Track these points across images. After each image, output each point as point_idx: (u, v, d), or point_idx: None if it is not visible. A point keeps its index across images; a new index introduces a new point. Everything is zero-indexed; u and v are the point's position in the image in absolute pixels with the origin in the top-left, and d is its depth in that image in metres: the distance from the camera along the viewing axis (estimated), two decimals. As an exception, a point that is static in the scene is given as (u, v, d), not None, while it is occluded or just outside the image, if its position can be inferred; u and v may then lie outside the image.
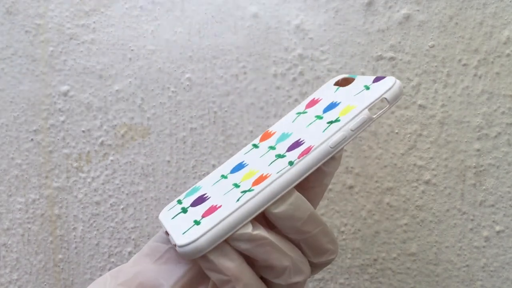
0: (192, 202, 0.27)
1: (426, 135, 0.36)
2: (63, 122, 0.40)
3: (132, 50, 0.39)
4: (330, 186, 0.37)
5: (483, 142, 0.36)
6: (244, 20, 0.37)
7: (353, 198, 0.37)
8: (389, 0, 0.35)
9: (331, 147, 0.25)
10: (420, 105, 0.36)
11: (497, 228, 0.36)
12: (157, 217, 0.40)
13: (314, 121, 0.27)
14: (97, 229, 0.41)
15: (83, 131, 0.40)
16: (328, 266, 0.38)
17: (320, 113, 0.28)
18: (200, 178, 0.39)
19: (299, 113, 0.30)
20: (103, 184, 0.40)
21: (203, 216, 0.25)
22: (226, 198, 0.25)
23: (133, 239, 0.41)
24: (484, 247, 0.37)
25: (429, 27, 0.35)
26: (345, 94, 0.28)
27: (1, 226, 0.42)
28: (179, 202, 0.28)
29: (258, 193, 0.24)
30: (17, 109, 0.40)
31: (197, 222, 0.24)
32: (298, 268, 0.26)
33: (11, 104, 0.41)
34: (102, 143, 0.40)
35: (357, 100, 0.27)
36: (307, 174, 0.25)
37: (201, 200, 0.27)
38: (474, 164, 0.36)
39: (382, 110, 0.26)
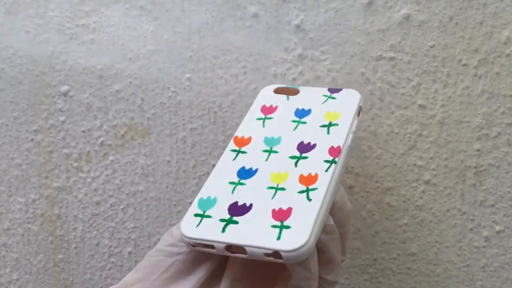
0: (230, 212, 0.27)
1: (426, 135, 0.36)
2: (63, 122, 0.40)
3: (132, 50, 0.39)
4: (330, 186, 0.38)
5: (483, 142, 0.36)
6: (244, 20, 0.37)
7: (353, 198, 0.37)
8: (389, 0, 0.35)
9: (350, 146, 0.29)
10: (420, 105, 0.36)
11: (497, 228, 0.36)
12: (159, 218, 0.40)
13: (297, 125, 0.31)
14: (97, 229, 0.41)
15: (83, 131, 0.40)
16: (328, 266, 0.38)
17: (294, 117, 0.32)
18: (200, 178, 0.39)
19: (262, 119, 0.32)
20: (103, 184, 0.40)
21: (280, 220, 0.25)
22: (286, 200, 0.26)
23: (133, 239, 0.41)
24: (484, 247, 0.37)
25: (429, 27, 0.35)
26: (307, 102, 0.32)
27: (1, 226, 0.42)
28: (202, 215, 0.27)
29: (327, 189, 0.26)
30: (17, 109, 0.41)
31: (283, 227, 0.25)
32: (340, 267, 0.28)
33: (11, 104, 0.41)
34: (102, 143, 0.40)
35: (333, 107, 0.31)
36: (344, 170, 0.29)
37: (243, 208, 0.27)
38: (474, 164, 0.36)
39: (360, 115, 0.31)
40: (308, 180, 0.27)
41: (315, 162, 0.28)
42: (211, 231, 0.26)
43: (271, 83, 0.38)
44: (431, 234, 0.37)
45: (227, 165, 0.30)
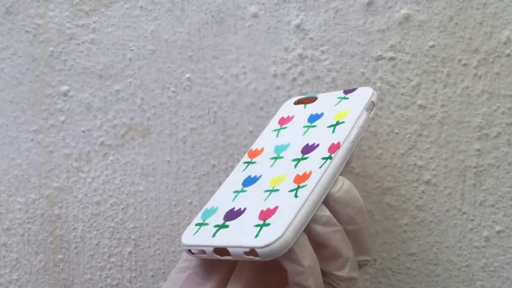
0: (225, 218, 0.27)
1: (426, 135, 0.36)
2: (63, 122, 0.40)
3: (132, 50, 0.39)
4: (330, 186, 0.38)
5: (483, 142, 0.36)
6: (244, 20, 0.37)
7: (353, 198, 0.37)
8: (389, 0, 0.35)
9: (353, 142, 0.29)
10: (420, 105, 0.36)
11: (497, 228, 0.36)
12: (159, 218, 0.40)
13: (307, 129, 0.31)
14: (97, 229, 0.41)
15: (83, 131, 0.40)
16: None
17: (306, 123, 0.32)
18: (200, 178, 0.39)
19: (277, 130, 0.33)
20: (103, 184, 0.40)
21: (263, 219, 0.25)
22: (274, 200, 0.26)
23: (133, 239, 0.41)
24: (484, 247, 0.37)
25: (429, 27, 0.35)
26: (321, 107, 0.32)
27: (1, 226, 0.42)
28: (202, 224, 0.28)
29: (316, 185, 0.26)
30: (17, 109, 0.41)
31: (263, 225, 0.25)
32: (355, 263, 0.27)
33: (11, 104, 0.41)
34: (102, 143, 0.40)
35: (345, 107, 0.31)
36: (344, 165, 0.28)
37: (235, 213, 0.27)
38: (474, 164, 0.36)
39: (372, 111, 0.31)
40: (301, 179, 0.27)
41: (313, 161, 0.28)
42: (204, 237, 0.27)
43: (271, 83, 0.38)
44: (431, 234, 0.37)
45: (236, 176, 0.31)
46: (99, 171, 0.40)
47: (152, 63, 0.39)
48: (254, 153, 0.32)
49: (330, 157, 0.28)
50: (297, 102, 0.35)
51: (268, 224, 0.25)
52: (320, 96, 0.34)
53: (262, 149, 0.32)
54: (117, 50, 0.39)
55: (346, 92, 0.32)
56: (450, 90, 0.36)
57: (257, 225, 0.25)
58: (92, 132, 0.40)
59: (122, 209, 0.40)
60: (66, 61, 0.40)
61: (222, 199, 0.29)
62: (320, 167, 0.27)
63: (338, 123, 0.30)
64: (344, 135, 0.29)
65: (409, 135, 0.36)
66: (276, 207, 0.26)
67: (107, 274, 0.41)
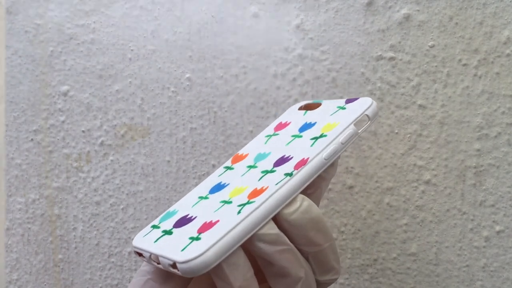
0: (175, 224, 0.26)
1: (426, 135, 0.36)
2: (63, 122, 0.40)
3: (132, 50, 0.39)
4: (330, 186, 0.38)
5: (483, 142, 0.36)
6: (244, 20, 0.37)
7: (353, 198, 0.37)
8: (389, 0, 0.35)
9: (325, 159, 0.26)
10: (420, 105, 0.36)
11: (497, 228, 0.36)
12: (157, 216, 0.40)
13: (293, 139, 0.29)
14: (97, 229, 0.41)
15: (83, 131, 0.40)
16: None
17: (296, 132, 0.30)
18: (200, 178, 0.39)
19: (269, 136, 0.32)
20: (103, 184, 0.40)
21: (199, 232, 0.24)
22: (221, 213, 0.25)
23: (133, 239, 0.41)
24: (484, 247, 0.37)
25: (429, 27, 0.35)
26: (318, 115, 0.31)
27: (1, 226, 0.42)
28: (155, 227, 0.27)
29: (262, 203, 0.24)
30: (17, 109, 0.41)
31: (195, 238, 0.24)
32: (308, 283, 0.25)
33: (11, 104, 0.41)
34: (102, 143, 0.40)
35: (336, 118, 0.29)
36: (306, 184, 0.26)
37: (185, 220, 0.26)
38: (474, 164, 0.36)
39: (365, 126, 0.28)
40: (255, 194, 0.26)
41: (276, 176, 0.26)
42: (148, 241, 0.26)
43: (271, 83, 0.38)
44: (431, 234, 0.37)
45: (209, 181, 0.30)
46: (99, 171, 0.40)
47: (152, 63, 0.39)
48: (238, 159, 0.31)
49: (291, 174, 0.26)
50: (303, 107, 0.33)
51: (199, 239, 0.24)
52: (324, 103, 0.32)
53: (246, 155, 0.31)
54: (117, 50, 0.39)
55: (348, 101, 0.30)
56: (450, 90, 0.36)
57: (190, 238, 0.24)
58: (92, 132, 0.40)
59: (122, 209, 0.40)
60: (66, 61, 0.40)
61: (185, 204, 0.28)
62: (277, 184, 0.25)
63: (321, 135, 0.28)
64: (317, 151, 0.26)
65: (409, 135, 0.36)
66: (217, 221, 0.24)
67: (107, 274, 0.41)
